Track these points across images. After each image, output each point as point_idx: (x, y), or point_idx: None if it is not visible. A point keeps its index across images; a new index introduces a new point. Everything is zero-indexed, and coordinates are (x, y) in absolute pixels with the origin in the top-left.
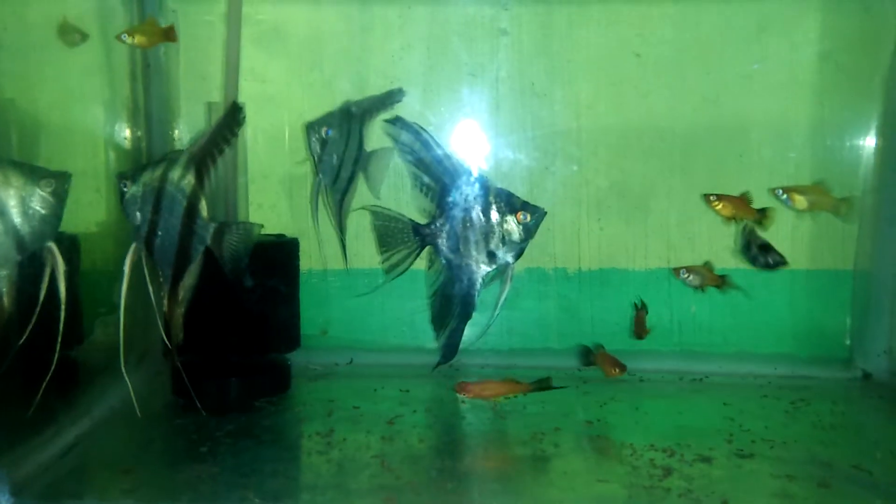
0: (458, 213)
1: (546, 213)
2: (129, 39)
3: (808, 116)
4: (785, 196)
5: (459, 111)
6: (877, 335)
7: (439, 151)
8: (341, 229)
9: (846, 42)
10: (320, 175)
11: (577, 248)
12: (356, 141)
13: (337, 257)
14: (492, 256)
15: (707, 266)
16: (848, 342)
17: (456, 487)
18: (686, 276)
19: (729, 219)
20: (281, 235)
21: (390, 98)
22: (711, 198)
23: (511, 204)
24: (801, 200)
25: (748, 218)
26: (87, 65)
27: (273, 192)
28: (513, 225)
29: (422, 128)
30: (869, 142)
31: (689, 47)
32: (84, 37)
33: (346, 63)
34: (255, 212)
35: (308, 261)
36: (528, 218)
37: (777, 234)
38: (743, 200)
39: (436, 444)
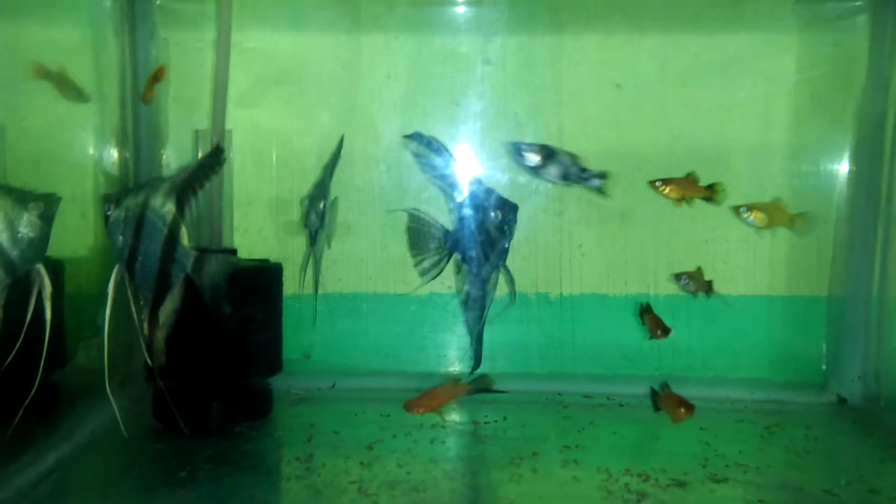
0: (464, 217)
1: (516, 206)
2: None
3: (783, 147)
4: (751, 217)
5: (443, 139)
6: (851, 361)
7: (448, 160)
8: (317, 285)
9: (820, 76)
10: (313, 248)
11: (558, 274)
12: (326, 199)
13: (322, 281)
14: (487, 258)
15: (699, 272)
16: (823, 368)
17: None
18: (687, 282)
19: (678, 201)
20: (265, 260)
21: (339, 149)
22: (657, 183)
23: (490, 203)
24: (762, 218)
25: (697, 196)
26: None
27: (259, 217)
28: (492, 225)
29: (435, 139)
30: (842, 171)
31: (668, 79)
32: (84, 96)
33: (332, 90)
34: (240, 237)
35: (292, 285)
36: (500, 216)
37: (755, 261)
38: (689, 181)
39: (414, 469)
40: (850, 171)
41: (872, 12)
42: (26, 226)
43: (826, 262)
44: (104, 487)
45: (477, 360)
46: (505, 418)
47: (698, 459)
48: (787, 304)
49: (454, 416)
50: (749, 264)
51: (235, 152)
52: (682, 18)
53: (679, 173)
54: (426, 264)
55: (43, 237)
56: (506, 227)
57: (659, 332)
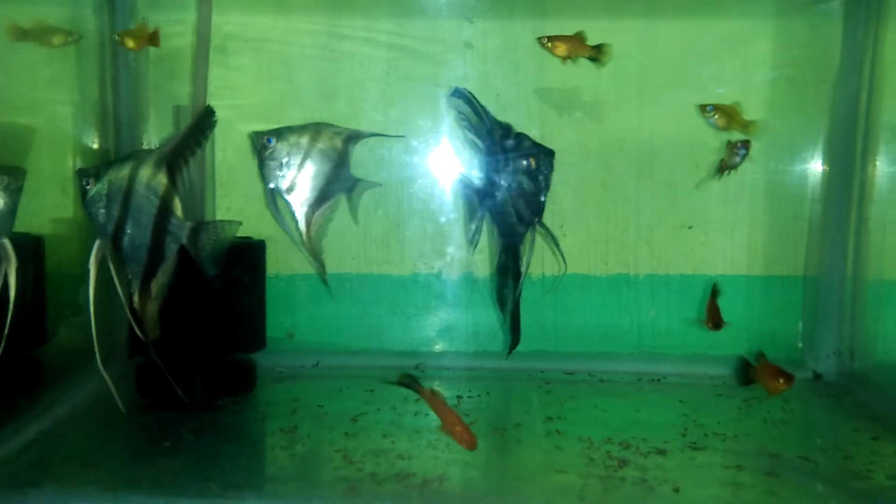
0: (494, 173)
1: (552, 152)
2: (118, 40)
3: (759, 128)
4: (714, 117)
5: (424, 121)
6: (826, 338)
7: (483, 113)
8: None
9: (795, 59)
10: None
11: (541, 254)
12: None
13: (306, 261)
14: (519, 216)
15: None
16: (799, 345)
17: (418, 478)
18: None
19: (565, 58)
20: (248, 238)
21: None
22: (544, 40)
23: (520, 152)
24: (722, 120)
25: (584, 55)
26: (58, 69)
27: (239, 196)
28: (525, 176)
29: (470, 93)
30: (817, 153)
31: (648, 62)
32: (75, 36)
33: (313, 71)
34: (221, 216)
35: (275, 265)
36: (532, 164)
37: (732, 243)
38: (578, 39)
39: (399, 440)
40: (824, 153)
41: None
42: None
43: (802, 243)
44: (86, 457)
45: (514, 337)
46: (488, 393)
47: (678, 429)
48: (765, 284)
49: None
50: (727, 245)
51: (216, 131)
52: (661, 2)
53: (658, 155)
54: (469, 232)
55: (7, 211)
56: (541, 178)
57: (710, 325)
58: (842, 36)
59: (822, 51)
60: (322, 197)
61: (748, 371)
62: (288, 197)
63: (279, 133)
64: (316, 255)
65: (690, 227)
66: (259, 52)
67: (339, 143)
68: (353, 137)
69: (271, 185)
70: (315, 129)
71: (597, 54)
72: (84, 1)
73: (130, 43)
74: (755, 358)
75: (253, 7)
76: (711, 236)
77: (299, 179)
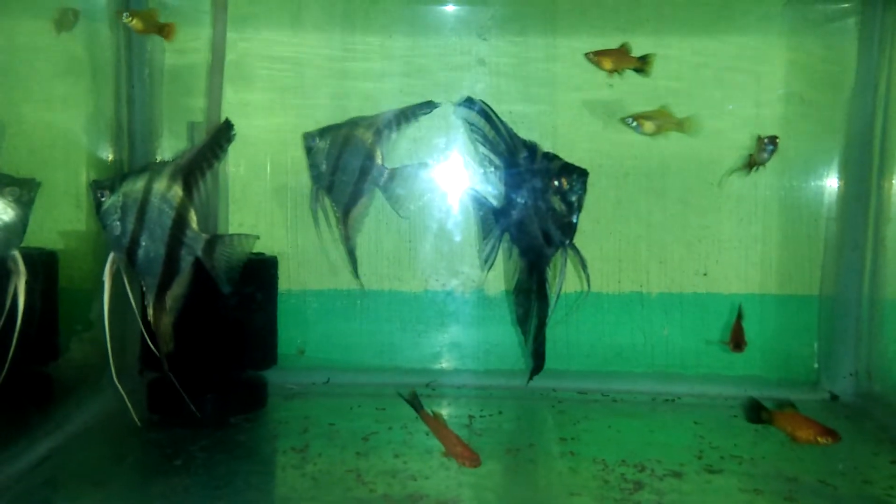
0: (516, 192)
1: (586, 172)
2: (127, 20)
3: (696, 123)
4: (635, 124)
5: (437, 137)
6: (843, 358)
7: (503, 129)
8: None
9: (809, 77)
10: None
11: (553, 272)
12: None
13: (317, 277)
14: (547, 238)
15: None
16: (815, 366)
17: (431, 500)
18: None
19: (611, 71)
20: (260, 254)
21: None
22: (591, 55)
23: (551, 171)
24: (648, 125)
25: (629, 66)
26: (73, 84)
27: (252, 212)
28: (556, 197)
29: (488, 106)
30: (832, 171)
31: (661, 79)
32: (76, 14)
33: (327, 88)
34: (234, 231)
35: (287, 282)
36: (565, 184)
37: (747, 260)
38: (622, 51)
39: (411, 460)
40: (839, 171)
41: (861, 14)
42: (1, 210)
43: (817, 262)
44: (98, 475)
45: (538, 360)
46: (500, 412)
47: (693, 452)
48: (779, 303)
49: (449, 411)
50: (741, 263)
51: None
52: (673, 20)
53: (671, 172)
54: (484, 252)
55: (18, 223)
56: (574, 199)
57: (732, 345)
58: (857, 54)
59: (837, 68)
60: (357, 192)
61: (759, 413)
62: (328, 195)
63: (322, 132)
64: (351, 252)
65: (705, 274)
66: (274, 66)
67: (369, 136)
68: (383, 128)
69: (315, 185)
70: (350, 125)
71: (642, 65)
72: (100, 17)
73: (139, 24)
74: (777, 405)
75: (267, 23)
76: (725, 255)
77: (335, 176)
